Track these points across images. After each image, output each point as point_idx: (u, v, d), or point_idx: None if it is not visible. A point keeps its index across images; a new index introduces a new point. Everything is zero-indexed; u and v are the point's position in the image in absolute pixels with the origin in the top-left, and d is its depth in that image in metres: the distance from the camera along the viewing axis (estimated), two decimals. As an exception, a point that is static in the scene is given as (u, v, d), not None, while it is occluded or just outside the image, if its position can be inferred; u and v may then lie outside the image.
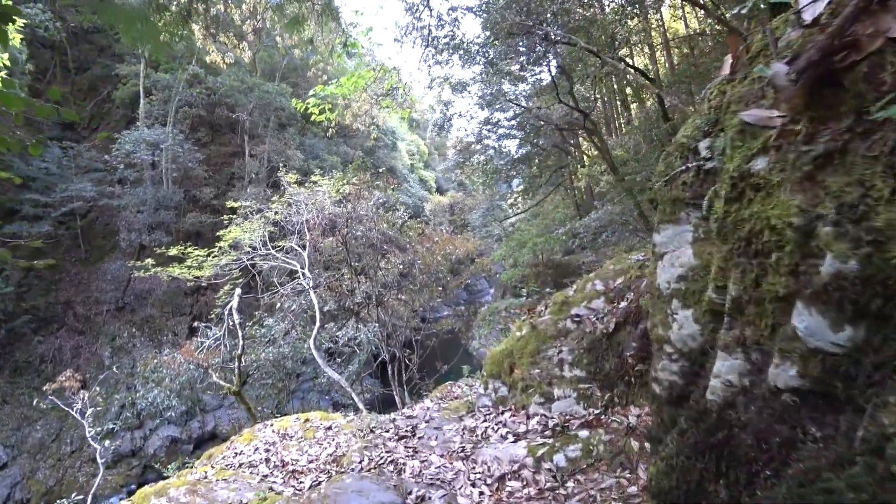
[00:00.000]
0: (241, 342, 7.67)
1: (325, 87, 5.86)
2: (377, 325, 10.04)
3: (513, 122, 28.00)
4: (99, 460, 7.91)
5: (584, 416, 4.29)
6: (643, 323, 4.26)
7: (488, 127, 28.43)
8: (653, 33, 21.22)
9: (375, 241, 10.43)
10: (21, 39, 22.95)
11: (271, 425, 6.86)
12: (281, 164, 16.53)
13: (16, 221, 23.60)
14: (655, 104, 16.59)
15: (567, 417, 4.38)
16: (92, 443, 8.03)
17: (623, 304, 4.57)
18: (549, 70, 17.07)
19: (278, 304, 10.20)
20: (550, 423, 4.37)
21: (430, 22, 13.65)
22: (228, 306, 8.33)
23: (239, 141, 30.05)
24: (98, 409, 9.06)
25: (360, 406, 7.97)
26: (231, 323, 7.80)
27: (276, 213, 11.14)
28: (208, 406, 22.20)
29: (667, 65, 22.11)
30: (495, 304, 29.11)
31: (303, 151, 27.28)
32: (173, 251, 11.06)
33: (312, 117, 5.78)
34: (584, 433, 4.03)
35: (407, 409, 6.70)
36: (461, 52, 18.64)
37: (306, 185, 12.02)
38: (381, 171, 10.13)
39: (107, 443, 9.43)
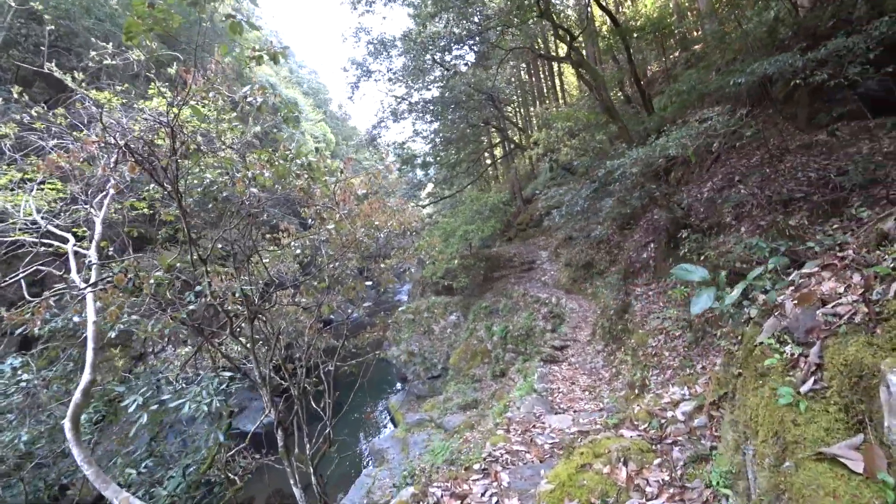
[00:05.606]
0: None
1: None
2: (244, 354, 4.85)
3: (429, 106, 23.68)
4: None
5: None
6: None
7: (406, 104, 23.83)
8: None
9: (248, 199, 5.21)
10: None
11: None
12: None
13: None
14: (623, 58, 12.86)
15: None
16: None
17: None
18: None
19: (37, 328, 4.51)
20: None
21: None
22: None
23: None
24: None
25: None
26: None
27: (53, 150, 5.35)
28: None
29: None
30: (416, 303, 24.46)
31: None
32: None
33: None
34: None
35: None
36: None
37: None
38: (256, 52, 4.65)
39: None
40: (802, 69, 5.34)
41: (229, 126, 5.23)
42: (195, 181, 5.50)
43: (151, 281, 3.79)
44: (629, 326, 8.48)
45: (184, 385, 5.66)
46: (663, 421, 3.77)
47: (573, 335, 11.53)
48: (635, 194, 7.47)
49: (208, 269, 4.69)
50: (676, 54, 15.40)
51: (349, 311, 8.03)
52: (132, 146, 4.45)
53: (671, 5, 15.77)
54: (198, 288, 4.26)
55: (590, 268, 16.03)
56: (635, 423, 3.93)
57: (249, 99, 4.56)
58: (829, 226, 4.87)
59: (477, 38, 18.81)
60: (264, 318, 5.58)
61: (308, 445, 5.74)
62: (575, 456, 3.76)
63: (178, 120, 4.15)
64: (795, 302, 2.15)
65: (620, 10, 19.48)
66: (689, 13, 15.79)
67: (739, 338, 3.18)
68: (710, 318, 6.65)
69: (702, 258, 5.74)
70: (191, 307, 4.19)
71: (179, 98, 3.99)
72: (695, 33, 14.05)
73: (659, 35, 13.03)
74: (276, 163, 5.23)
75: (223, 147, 5.38)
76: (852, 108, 6.79)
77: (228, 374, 4.87)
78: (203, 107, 4.82)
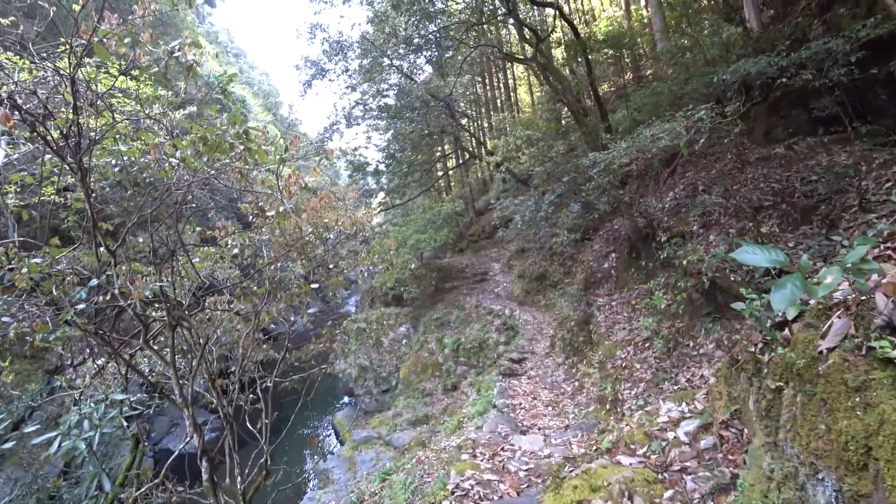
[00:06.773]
0: None
1: None
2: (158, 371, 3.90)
3: (383, 113, 23.02)
4: None
5: None
6: None
7: (361, 109, 23.02)
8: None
9: (174, 183, 4.32)
10: None
11: None
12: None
13: None
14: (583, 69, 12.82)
15: None
16: None
17: None
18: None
19: None
20: None
21: None
22: None
23: None
24: None
25: None
26: None
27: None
28: None
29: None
30: (364, 314, 23.35)
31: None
32: None
33: None
34: None
35: None
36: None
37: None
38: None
39: None
40: (786, 69, 5.22)
41: (154, 93, 4.33)
42: (112, 159, 4.52)
43: (25, 270, 2.85)
44: (593, 338, 8.10)
45: (92, 406, 4.58)
46: (664, 443, 3.24)
47: (530, 347, 11.09)
48: (603, 199, 7.17)
49: (118, 262, 3.75)
50: (629, 75, 15.68)
51: (293, 318, 7.12)
52: (18, 100, 3.49)
53: (625, 26, 16.15)
54: (94, 281, 3.31)
55: (543, 279, 15.80)
56: (632, 446, 3.39)
57: (178, 55, 3.71)
58: (802, 232, 4.65)
59: (435, 47, 18.46)
60: (189, 326, 4.63)
61: (240, 477, 4.79)
62: (566, 489, 3.14)
63: (81, 71, 3.26)
64: (888, 294, 1.69)
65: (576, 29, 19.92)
66: (640, 36, 16.11)
67: (762, 344, 2.71)
68: (680, 327, 6.35)
69: (685, 262, 5.43)
70: (80, 306, 3.23)
71: (81, 38, 3.10)
72: (647, 54, 14.33)
73: (616, 55, 13.11)
74: (210, 138, 4.37)
75: (146, 117, 4.47)
76: (820, 116, 6.83)
77: (121, 396, 3.90)
78: (119, 65, 3.91)
